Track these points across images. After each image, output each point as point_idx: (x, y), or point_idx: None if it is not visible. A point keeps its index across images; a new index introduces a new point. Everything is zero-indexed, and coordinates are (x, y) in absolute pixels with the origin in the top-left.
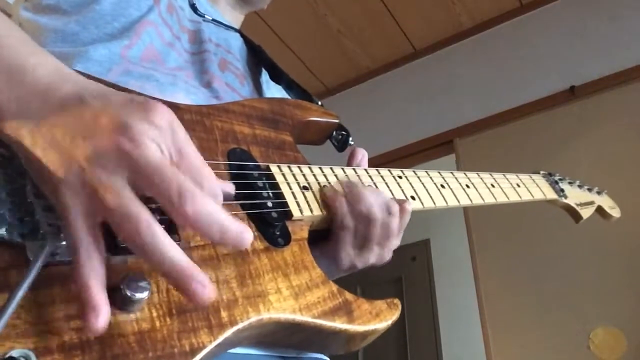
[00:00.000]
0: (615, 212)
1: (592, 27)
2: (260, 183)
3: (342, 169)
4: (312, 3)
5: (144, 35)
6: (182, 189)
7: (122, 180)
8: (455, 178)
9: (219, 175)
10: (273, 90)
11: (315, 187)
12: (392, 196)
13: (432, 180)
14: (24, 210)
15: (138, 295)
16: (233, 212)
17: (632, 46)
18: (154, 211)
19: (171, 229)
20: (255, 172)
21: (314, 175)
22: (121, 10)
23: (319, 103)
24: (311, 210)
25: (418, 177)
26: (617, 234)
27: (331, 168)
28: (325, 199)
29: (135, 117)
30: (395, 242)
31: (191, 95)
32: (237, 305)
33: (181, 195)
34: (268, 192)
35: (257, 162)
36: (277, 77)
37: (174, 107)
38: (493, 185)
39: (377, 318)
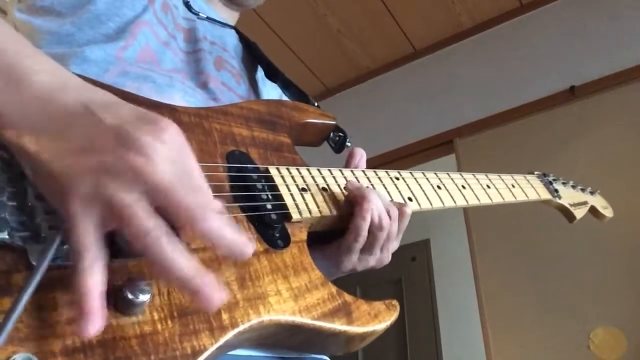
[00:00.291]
0: (608, 212)
1: (592, 27)
2: (259, 185)
3: (340, 170)
4: (312, 3)
5: (140, 36)
6: (195, 205)
7: (137, 194)
8: (452, 179)
9: (218, 178)
10: (269, 87)
11: (314, 188)
12: (390, 199)
13: (429, 182)
14: (25, 214)
15: (140, 298)
16: (233, 215)
17: (632, 46)
18: None
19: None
20: (254, 174)
21: (313, 177)
22: (115, 10)
23: (316, 104)
24: (310, 212)
25: (415, 179)
26: (617, 234)
27: (329, 170)
28: (353, 199)
29: (147, 134)
30: (395, 245)
31: (188, 96)
32: (238, 308)
33: (197, 212)
34: (267, 194)
35: (256, 164)
36: (273, 75)
37: (171, 109)
38: (489, 186)
39: (375, 319)
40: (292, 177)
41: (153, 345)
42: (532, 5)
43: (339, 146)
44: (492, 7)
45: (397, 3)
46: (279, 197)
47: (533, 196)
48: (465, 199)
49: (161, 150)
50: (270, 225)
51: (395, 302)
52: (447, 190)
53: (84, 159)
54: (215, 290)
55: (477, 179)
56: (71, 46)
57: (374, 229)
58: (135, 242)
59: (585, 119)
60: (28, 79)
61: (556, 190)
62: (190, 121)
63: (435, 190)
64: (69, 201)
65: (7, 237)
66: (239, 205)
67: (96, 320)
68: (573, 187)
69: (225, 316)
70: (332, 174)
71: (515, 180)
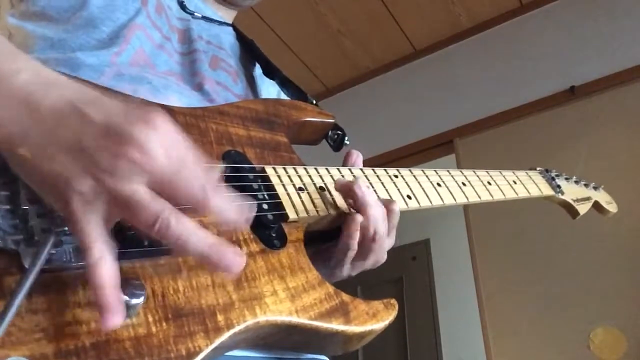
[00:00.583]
0: (612, 207)
1: (592, 27)
2: (255, 185)
3: (338, 169)
4: (312, 3)
5: (133, 40)
6: (197, 186)
7: (136, 184)
8: (452, 176)
9: None
10: (267, 84)
11: (311, 188)
12: (377, 197)
13: (429, 179)
14: (17, 217)
15: (134, 301)
16: None
17: (632, 46)
18: None
19: None
20: (251, 174)
21: (310, 176)
22: (109, 14)
23: (314, 102)
24: (307, 212)
25: (414, 176)
26: (617, 234)
27: (327, 168)
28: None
29: (137, 124)
30: (389, 242)
31: (184, 98)
32: (234, 309)
33: (199, 192)
34: (264, 194)
35: (252, 164)
36: (271, 72)
37: (167, 109)
38: (490, 183)
39: (374, 318)
40: (289, 176)
41: (147, 347)
42: (532, 5)
43: (337, 144)
44: (492, 7)
45: (397, 3)
46: (276, 197)
47: (535, 192)
48: (466, 196)
49: (154, 137)
50: (266, 225)
51: (393, 301)
52: (447, 187)
53: (78, 159)
54: (236, 256)
55: (477, 176)
56: (65, 51)
57: (366, 242)
58: (148, 229)
59: (585, 119)
60: (7, 80)
61: (559, 186)
62: (186, 121)
63: (435, 188)
64: (68, 201)
65: None
66: None
67: (116, 311)
68: (576, 182)
69: (220, 317)
70: (329, 172)
71: (516, 176)
